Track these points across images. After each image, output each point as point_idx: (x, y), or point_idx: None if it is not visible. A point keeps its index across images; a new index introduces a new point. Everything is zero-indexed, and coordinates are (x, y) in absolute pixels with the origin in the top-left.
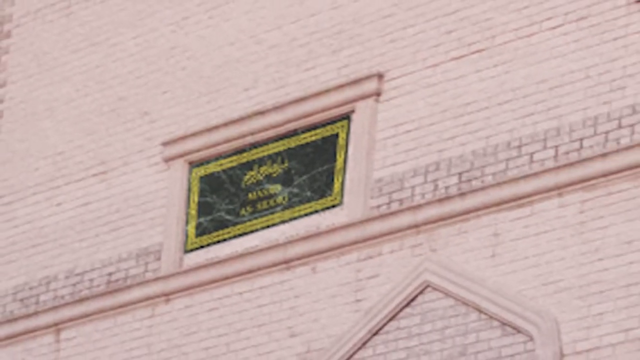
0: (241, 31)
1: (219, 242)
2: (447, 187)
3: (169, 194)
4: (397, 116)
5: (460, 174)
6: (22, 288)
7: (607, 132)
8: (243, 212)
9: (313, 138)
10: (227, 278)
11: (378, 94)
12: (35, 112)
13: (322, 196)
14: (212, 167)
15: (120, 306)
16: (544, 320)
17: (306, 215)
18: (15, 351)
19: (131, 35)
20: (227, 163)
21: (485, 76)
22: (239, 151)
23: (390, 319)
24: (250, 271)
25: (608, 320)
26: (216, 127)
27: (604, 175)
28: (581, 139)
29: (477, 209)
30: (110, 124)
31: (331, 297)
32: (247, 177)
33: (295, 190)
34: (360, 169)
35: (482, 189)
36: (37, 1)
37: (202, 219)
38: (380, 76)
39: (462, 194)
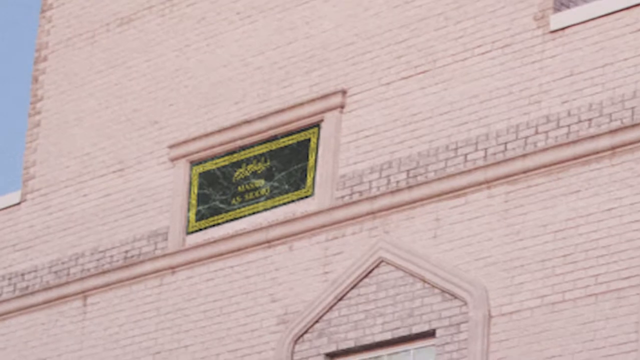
0: (232, 56)
1: (214, 225)
2: (397, 182)
3: (174, 187)
4: (358, 124)
5: (408, 170)
6: (55, 263)
7: (526, 137)
8: (234, 201)
9: (290, 142)
10: (220, 254)
11: (342, 106)
12: (67, 121)
13: (297, 189)
14: (209, 166)
15: (135, 277)
16: (475, 288)
17: (284, 204)
18: (50, 313)
19: (143, 59)
20: (221, 162)
21: (429, 92)
22: (231, 152)
23: (352, 288)
24: (239, 249)
25: (527, 288)
26: (212, 133)
27: (524, 172)
28: (505, 143)
29: (421, 199)
30: (126, 131)
31: (304, 270)
32: (237, 173)
33: (276, 184)
34: (328, 167)
35: (426, 183)
36: (68, 31)
37: (200, 207)
38: (344, 92)
39: (409, 187)
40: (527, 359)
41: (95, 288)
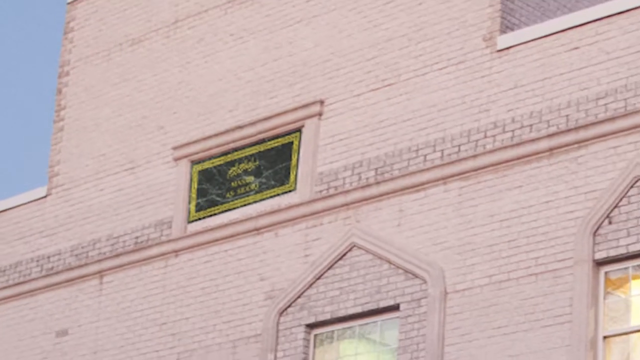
0: (227, 71)
1: (211, 215)
2: (367, 178)
3: (177, 182)
4: (334, 130)
5: (376, 169)
6: (76, 247)
7: (477, 141)
8: (228, 195)
9: (276, 144)
10: (217, 240)
11: (320, 114)
12: (86, 127)
13: (282, 184)
14: (207, 164)
15: (144, 259)
16: (433, 269)
17: (271, 197)
18: (71, 290)
19: (151, 73)
20: (217, 161)
21: (394, 102)
22: (225, 153)
23: (329, 268)
24: (232, 235)
25: (477, 269)
26: (210, 137)
27: (475, 170)
28: (459, 145)
29: (387, 193)
30: (137, 135)
31: (288, 253)
32: (231, 171)
33: (264, 180)
34: (308, 166)
35: (391, 179)
36: (87, 50)
37: (199, 200)
38: (322, 102)
39: (377, 183)
40: (478, 329)
41: (110, 269)
